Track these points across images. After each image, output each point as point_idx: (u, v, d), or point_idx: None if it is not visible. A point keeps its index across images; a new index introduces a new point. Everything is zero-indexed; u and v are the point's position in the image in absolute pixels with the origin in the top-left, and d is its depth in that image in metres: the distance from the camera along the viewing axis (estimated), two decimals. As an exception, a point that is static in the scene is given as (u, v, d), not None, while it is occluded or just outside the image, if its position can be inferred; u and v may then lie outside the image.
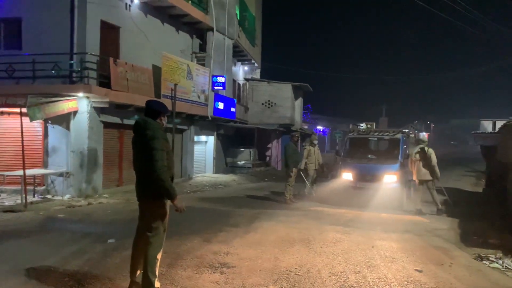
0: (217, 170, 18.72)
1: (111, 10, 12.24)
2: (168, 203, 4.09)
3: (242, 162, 20.49)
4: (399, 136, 10.49)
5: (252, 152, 20.93)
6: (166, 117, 4.28)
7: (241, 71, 22.68)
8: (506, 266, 5.55)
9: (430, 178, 9.28)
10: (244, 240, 6.47)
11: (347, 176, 10.32)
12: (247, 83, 22.32)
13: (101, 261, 5.24)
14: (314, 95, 26.81)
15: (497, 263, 5.69)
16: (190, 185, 14.51)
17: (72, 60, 11.20)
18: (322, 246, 6.17)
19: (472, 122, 67.59)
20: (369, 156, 10.59)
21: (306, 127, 29.46)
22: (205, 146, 18.48)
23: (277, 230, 7.17)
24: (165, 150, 3.96)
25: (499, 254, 6.06)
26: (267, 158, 22.98)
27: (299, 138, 11.28)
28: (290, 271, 5.02)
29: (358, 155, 10.61)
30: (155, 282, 3.99)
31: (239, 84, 21.83)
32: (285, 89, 21.98)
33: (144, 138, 3.94)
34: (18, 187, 10.82)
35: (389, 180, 9.78)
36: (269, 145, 22.86)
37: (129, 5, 12.98)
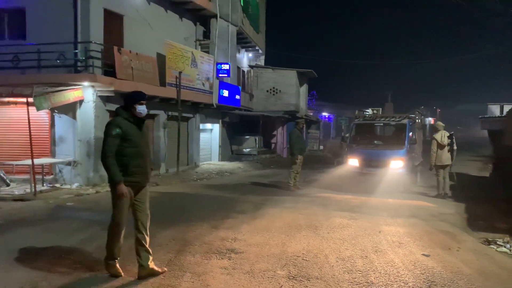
0: (222, 157, 18.79)
1: (114, -2, 12.17)
2: (127, 190, 4.27)
3: (248, 149, 20.53)
4: (405, 121, 10.43)
5: (257, 139, 20.94)
6: (141, 105, 4.38)
7: (245, 58, 22.55)
8: (513, 250, 5.56)
9: (450, 162, 9.39)
10: (251, 226, 6.52)
11: (353, 162, 10.32)
12: (252, 70, 22.20)
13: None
14: (319, 81, 26.72)
15: (504, 247, 5.71)
16: (196, 173, 14.59)
17: (76, 49, 11.18)
18: (329, 232, 6.21)
19: (478, 107, 67.04)
20: (375, 142, 10.57)
21: (311, 113, 29.34)
22: (210, 134, 18.51)
23: (284, 217, 7.21)
24: (114, 138, 4.18)
25: (507, 238, 6.07)
26: (272, 145, 22.99)
27: (304, 125, 11.17)
28: (297, 256, 5.07)
29: (364, 141, 10.59)
30: (111, 258, 4.41)
31: (243, 71, 21.73)
32: (289, 76, 21.85)
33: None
34: (27, 176, 10.95)
35: (396, 165, 9.77)
36: (274, 132, 22.85)
37: (132, -7, 12.89)
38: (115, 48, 11.37)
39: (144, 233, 4.45)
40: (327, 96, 39.23)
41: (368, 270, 4.64)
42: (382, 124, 10.85)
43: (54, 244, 5.47)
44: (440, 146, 9.32)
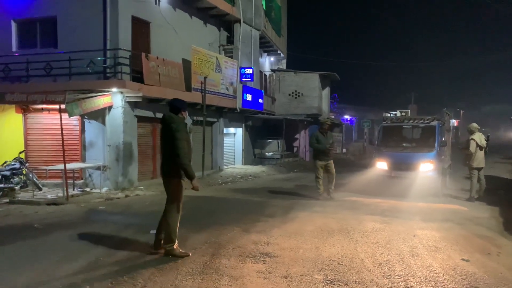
0: (245, 161, 18.85)
1: (142, 6, 12.42)
2: (184, 182, 5.10)
3: (270, 153, 20.55)
4: (435, 123, 10.23)
5: (280, 143, 20.94)
6: (186, 111, 5.25)
7: (267, 62, 22.61)
8: (556, 255, 5.37)
9: (484, 165, 9.23)
10: (282, 230, 6.52)
11: (381, 165, 10.17)
12: (274, 74, 22.24)
13: (146, 251, 5.39)
14: (340, 83, 26.45)
15: (546, 252, 5.52)
16: (221, 177, 14.68)
17: (105, 56, 11.44)
18: (362, 236, 6.14)
19: (504, 108, 65.19)
20: (404, 144, 10.40)
21: (333, 116, 29.13)
22: (233, 138, 18.61)
23: (314, 220, 7.18)
24: (185, 140, 4.95)
25: (548, 243, 5.87)
26: (295, 149, 22.93)
27: (329, 126, 9.81)
28: (333, 260, 5.03)
29: (392, 144, 10.42)
30: (175, 242, 5.12)
31: (265, 75, 21.79)
32: (312, 79, 21.78)
33: (169, 130, 4.95)
34: (58, 181, 11.25)
35: (425, 168, 9.58)
36: (297, 136, 22.79)
37: (159, 0, 13.12)
38: (143, 54, 11.59)
39: None
40: (349, 98, 38.91)
41: (407, 275, 4.56)
42: (410, 126, 10.67)
43: (90, 247, 5.59)
44: (479, 147, 9.14)
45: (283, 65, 24.51)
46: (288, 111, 21.39)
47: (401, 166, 9.86)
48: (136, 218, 7.59)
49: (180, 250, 5.21)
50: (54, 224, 7.05)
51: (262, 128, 20.70)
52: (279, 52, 22.74)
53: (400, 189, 9.62)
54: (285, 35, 24.16)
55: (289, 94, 21.82)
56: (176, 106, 5.17)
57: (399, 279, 4.43)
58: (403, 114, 11.45)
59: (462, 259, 5.07)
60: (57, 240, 6.06)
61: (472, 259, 5.07)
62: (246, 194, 10.63)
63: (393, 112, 16.28)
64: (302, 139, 22.68)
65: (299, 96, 21.71)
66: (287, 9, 24.66)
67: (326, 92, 23.95)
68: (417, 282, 4.35)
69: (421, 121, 10.50)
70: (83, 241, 5.90)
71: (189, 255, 5.14)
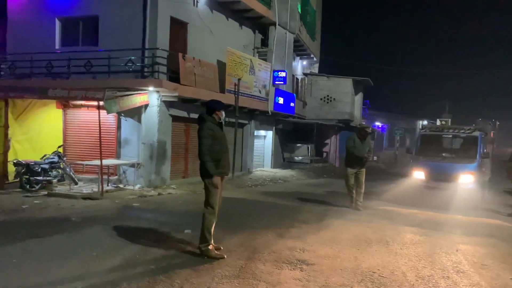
0: (275, 165, 18.73)
1: (180, 7, 12.57)
2: (219, 180, 5.18)
3: (300, 157, 20.37)
4: (477, 133, 9.84)
5: (309, 147, 20.73)
6: (222, 112, 5.32)
7: (299, 65, 22.47)
8: None
9: None
10: (318, 237, 6.38)
11: (419, 175, 9.86)
12: (306, 78, 22.06)
13: (181, 250, 5.38)
14: (372, 90, 25.96)
15: None
16: (250, 179, 14.63)
17: (144, 56, 11.62)
18: (401, 248, 5.93)
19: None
20: (444, 154, 10.04)
21: (364, 122, 28.63)
22: (264, 140, 18.54)
23: (350, 229, 7.00)
24: (208, 138, 5.07)
25: None
26: (324, 154, 22.63)
27: (367, 133, 9.05)
28: (373, 272, 4.86)
29: (431, 153, 10.09)
30: (210, 242, 5.11)
31: (297, 79, 21.62)
32: (345, 84, 21.47)
33: (198, 130, 5.21)
34: (93, 176, 11.52)
35: (466, 180, 9.22)
36: (327, 141, 22.49)
37: (197, 1, 13.25)
38: (180, 54, 11.70)
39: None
40: (380, 105, 38.12)
41: (454, 292, 4.35)
42: (451, 136, 10.29)
43: (126, 243, 5.63)
44: None
45: (315, 69, 24.30)
46: (319, 115, 21.15)
47: (440, 176, 9.52)
48: (170, 216, 7.63)
49: (216, 252, 5.18)
50: (90, 218, 7.17)
51: (292, 132, 20.55)
52: (312, 56, 22.57)
53: (437, 201, 9.29)
54: (319, 39, 23.95)
55: (321, 99, 21.58)
56: (210, 106, 5.33)
57: (445, 296, 4.23)
58: (443, 123, 11.06)
59: (512, 279, 4.80)
60: (94, 234, 6.14)
61: (522, 280, 4.78)
62: (277, 198, 10.52)
63: (431, 121, 15.74)
64: (332, 145, 22.36)
65: (331, 101, 21.43)
66: (322, 13, 24.46)
67: (359, 97, 23.56)
68: (465, 301, 4.13)
69: (462, 130, 10.12)
70: (119, 237, 5.96)
71: (224, 257, 5.10)
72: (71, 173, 11.19)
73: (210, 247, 5.15)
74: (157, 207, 8.47)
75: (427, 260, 5.41)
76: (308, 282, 4.48)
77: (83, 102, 11.33)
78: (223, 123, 5.45)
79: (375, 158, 25.76)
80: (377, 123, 33.87)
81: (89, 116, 11.86)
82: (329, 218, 7.86)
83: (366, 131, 9.13)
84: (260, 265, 4.97)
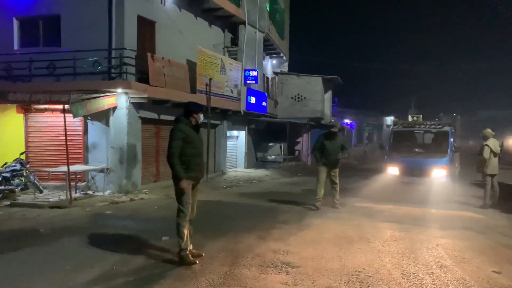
0: (248, 165, 18.61)
1: (147, 5, 12.19)
2: (189, 185, 5.03)
3: (273, 156, 20.33)
4: (447, 129, 10.09)
5: (282, 146, 20.73)
6: (199, 114, 5.21)
7: (269, 64, 22.42)
8: None
9: (497, 172, 9.04)
10: (300, 238, 6.29)
11: (393, 170, 10.00)
12: (276, 77, 22.04)
13: (162, 259, 5.15)
14: (340, 87, 26.30)
15: None
16: (225, 180, 14.42)
17: (110, 56, 11.18)
18: (383, 245, 5.93)
19: (503, 113, 65.37)
20: (416, 149, 10.22)
21: (333, 120, 28.99)
22: (236, 141, 18.37)
23: (331, 228, 6.95)
24: (178, 140, 4.94)
25: None
26: (297, 153, 22.72)
27: (335, 132, 8.71)
28: (359, 271, 4.81)
29: (404, 149, 10.26)
30: (183, 243, 4.97)
31: (267, 78, 21.57)
32: (315, 82, 21.60)
33: (170, 130, 5.10)
34: (59, 183, 10.99)
35: (439, 174, 9.42)
36: (299, 139, 22.59)
37: (165, 0, 12.89)
38: (149, 55, 11.34)
39: (190, 223, 5.17)
40: (348, 102, 38.78)
41: (440, 287, 4.35)
42: (422, 132, 10.50)
43: (104, 255, 5.33)
44: (493, 154, 8.95)
45: (285, 67, 24.34)
46: (290, 114, 21.18)
47: (414, 171, 9.69)
48: (147, 223, 7.33)
49: (191, 258, 5.00)
50: (61, 228, 6.78)
51: (265, 131, 20.48)
52: (281, 55, 22.58)
53: (412, 195, 9.44)
54: (288, 37, 23.99)
55: (292, 97, 21.62)
56: (187, 108, 5.20)
57: (433, 293, 4.22)
58: (415, 118, 11.26)
59: (493, 271, 4.87)
60: (67, 246, 5.79)
61: (503, 271, 4.87)
62: (254, 198, 10.38)
63: (398, 117, 16.06)
64: (304, 143, 22.48)
65: (302, 99, 21.52)
66: (290, 12, 24.50)
67: (329, 95, 23.80)
68: (452, 296, 4.14)
69: (433, 126, 10.34)
70: (94, 247, 5.64)
71: (196, 262, 4.95)
72: (35, 181, 10.59)
73: (186, 253, 4.98)
74: (131, 214, 8.13)
75: (410, 256, 5.43)
76: (295, 286, 4.38)
77: (46, 106, 10.75)
78: (200, 126, 5.28)
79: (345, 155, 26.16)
80: (346, 120, 34.42)
81: (52, 120, 11.30)
82: (309, 218, 7.80)
83: (331, 131, 8.80)
84: (245, 270, 4.82)
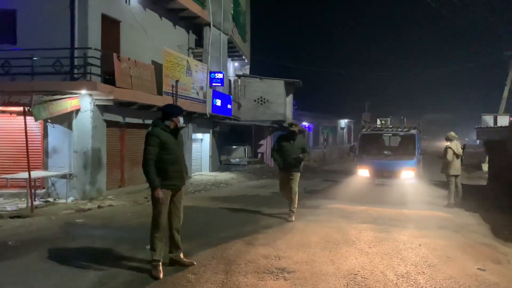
0: (213, 168, 18.38)
1: (112, 3, 11.72)
2: (164, 194, 4.75)
3: (236, 159, 20.23)
4: (414, 132, 10.53)
5: (246, 149, 20.69)
6: (179, 118, 4.91)
7: (231, 67, 22.30)
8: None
9: (460, 172, 9.49)
10: (287, 242, 6.26)
11: (363, 172, 10.26)
12: (239, 80, 21.99)
13: (149, 271, 4.90)
14: (299, 91, 26.69)
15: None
16: (191, 184, 14.11)
17: (73, 56, 10.57)
18: (369, 247, 6.04)
19: (445, 116, 69.68)
20: (385, 152, 10.58)
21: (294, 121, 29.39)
22: (201, 144, 18.08)
23: (314, 231, 6.98)
24: (153, 146, 4.70)
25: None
26: (259, 155, 22.77)
27: (294, 132, 7.88)
28: (354, 274, 4.86)
29: (373, 152, 10.57)
30: (153, 253, 4.75)
31: (230, 80, 21.46)
32: (277, 86, 21.80)
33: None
34: (15, 190, 10.30)
35: (407, 175, 9.79)
36: (262, 142, 22.66)
37: (129, -2, 12.44)
38: (115, 55, 10.86)
39: (177, 232, 5.01)
40: (305, 105, 39.48)
41: (435, 287, 4.48)
42: (391, 135, 10.89)
43: (88, 269, 4.99)
44: (456, 156, 9.42)
45: (246, 70, 24.34)
46: (254, 117, 21.21)
47: (383, 173, 10.00)
48: (124, 231, 6.96)
49: (157, 270, 4.71)
50: (30, 240, 6.26)
51: (229, 134, 20.34)
52: (243, 57, 22.55)
53: (383, 196, 9.75)
54: (249, 40, 24.03)
55: (255, 100, 21.67)
56: (165, 111, 4.94)
57: (430, 292, 4.34)
58: (383, 122, 11.67)
59: (479, 269, 5.10)
60: (43, 260, 5.34)
61: (487, 268, 5.11)
62: (228, 203, 10.22)
63: (352, 120, 16.55)
64: (268, 146, 22.56)
65: (264, 102, 21.62)
66: (250, 14, 24.54)
67: (290, 99, 24.09)
68: (449, 295, 4.28)
69: (400, 129, 10.75)
70: (74, 260, 5.24)
71: (160, 278, 4.64)
72: (-11, 189, 9.81)
73: (158, 263, 4.74)
74: (105, 222, 7.69)
75: (398, 257, 5.56)
76: (297, 292, 4.32)
77: (5, 108, 9.93)
78: (179, 130, 4.99)
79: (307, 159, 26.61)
80: (305, 123, 35.02)
81: (5, 123, 10.50)
82: (290, 221, 7.78)
83: (291, 131, 7.91)
84: (242, 278, 4.70)
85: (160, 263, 4.78)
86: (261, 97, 21.61)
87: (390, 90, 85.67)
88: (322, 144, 31.77)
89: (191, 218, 7.91)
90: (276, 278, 4.71)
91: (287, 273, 4.86)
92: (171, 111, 4.94)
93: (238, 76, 22.11)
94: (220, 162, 19.65)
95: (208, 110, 15.98)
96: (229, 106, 18.01)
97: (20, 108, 9.15)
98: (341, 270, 5.00)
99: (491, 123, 16.65)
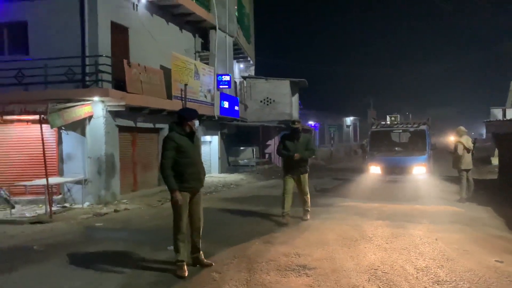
0: (222, 169, 18.52)
1: (120, 11, 11.90)
2: (183, 196, 4.87)
3: (245, 160, 20.36)
4: (424, 127, 10.59)
5: (254, 150, 20.81)
6: (193, 121, 5.03)
7: (236, 68, 22.44)
8: None
9: (472, 167, 9.55)
10: (305, 240, 6.37)
11: (375, 169, 10.35)
12: (245, 81, 22.13)
13: (175, 270, 5.03)
14: (305, 90, 26.78)
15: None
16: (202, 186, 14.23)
17: (84, 63, 10.76)
18: (387, 242, 6.14)
19: (448, 111, 69.47)
20: (396, 148, 10.65)
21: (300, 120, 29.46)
22: (209, 146, 18.23)
23: (331, 228, 7.09)
24: (170, 150, 4.83)
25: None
26: (267, 156, 22.90)
27: (298, 130, 7.47)
28: (375, 269, 4.96)
29: (384, 148, 10.66)
30: (177, 255, 4.91)
31: (235, 82, 21.59)
32: (283, 86, 21.93)
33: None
34: (32, 197, 10.48)
35: (419, 171, 9.86)
36: (269, 142, 22.79)
37: (136, 5, 12.63)
38: (125, 61, 11.04)
39: (196, 233, 5.16)
40: (311, 104, 39.52)
41: (456, 280, 4.58)
42: (401, 131, 10.96)
43: (116, 269, 5.14)
44: (467, 150, 9.49)
45: (251, 71, 24.49)
46: (260, 118, 21.35)
47: (395, 170, 10.07)
48: (144, 234, 7.12)
49: (182, 270, 4.86)
50: (54, 245, 6.42)
51: (236, 136, 20.49)
52: (248, 59, 22.70)
53: (395, 192, 9.81)
54: (253, 42, 24.17)
55: (261, 101, 21.81)
56: (180, 115, 5.05)
57: (451, 285, 4.43)
58: (393, 118, 11.74)
59: (496, 261, 5.18)
60: (68, 263, 5.49)
61: (505, 260, 5.19)
62: (240, 203, 10.36)
63: (358, 117, 16.62)
64: (275, 146, 22.65)
65: (270, 102, 21.76)
66: (254, 16, 24.70)
67: (296, 98, 24.21)
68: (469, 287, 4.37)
69: (410, 125, 10.82)
70: (101, 264, 5.39)
71: (185, 277, 4.77)
72: (6, 196, 9.98)
73: (182, 263, 4.89)
74: (123, 225, 7.85)
75: (416, 251, 5.66)
76: (320, 287, 4.44)
77: (22, 117, 10.11)
78: (194, 133, 5.07)
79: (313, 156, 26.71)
80: (310, 122, 35.08)
81: (21, 131, 10.70)
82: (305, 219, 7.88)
83: (294, 128, 7.50)
84: (265, 275, 4.82)
85: (185, 263, 4.93)
86: (267, 98, 21.74)
87: (394, 86, 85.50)
88: (329, 143, 31.86)
89: (206, 219, 8.01)
90: (299, 275, 4.82)
91: (308, 270, 4.98)
92: (185, 114, 5.04)
93: (244, 77, 22.26)
94: (228, 163, 19.79)
95: (216, 112, 16.13)
96: (236, 107, 18.15)
97: (35, 117, 9.36)
98: (361, 265, 5.11)
99: (499, 116, 16.65)
